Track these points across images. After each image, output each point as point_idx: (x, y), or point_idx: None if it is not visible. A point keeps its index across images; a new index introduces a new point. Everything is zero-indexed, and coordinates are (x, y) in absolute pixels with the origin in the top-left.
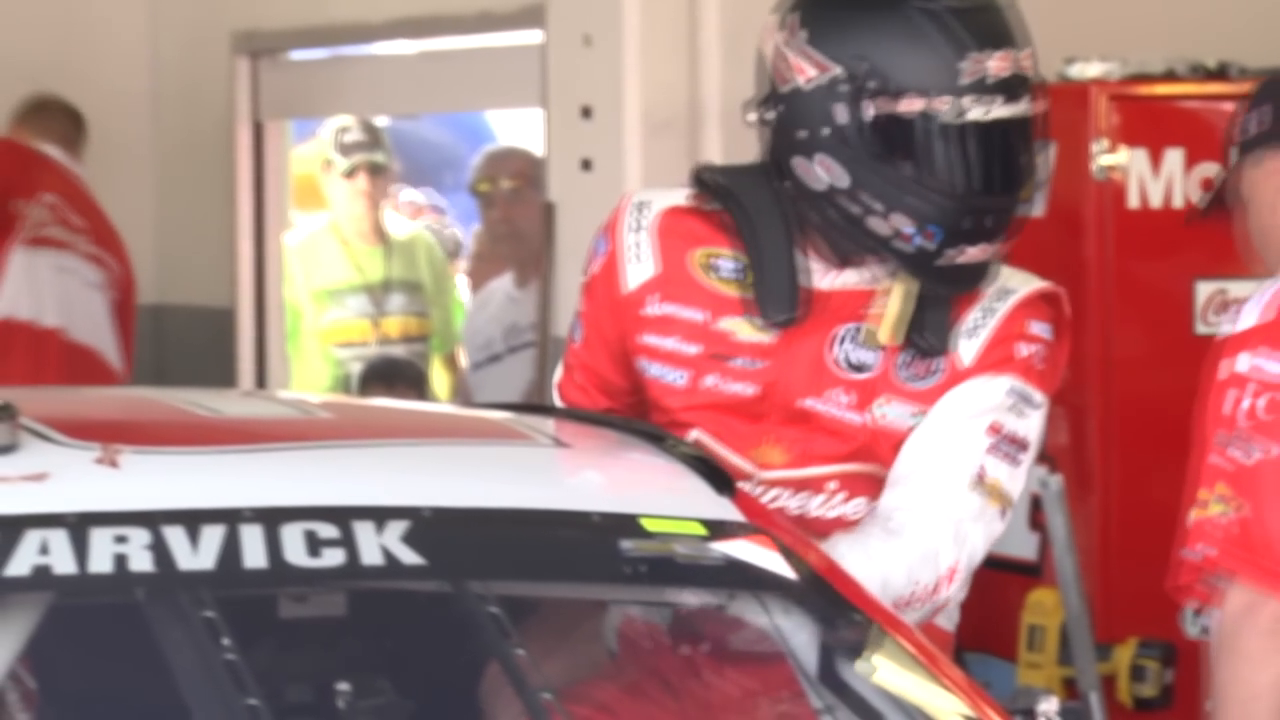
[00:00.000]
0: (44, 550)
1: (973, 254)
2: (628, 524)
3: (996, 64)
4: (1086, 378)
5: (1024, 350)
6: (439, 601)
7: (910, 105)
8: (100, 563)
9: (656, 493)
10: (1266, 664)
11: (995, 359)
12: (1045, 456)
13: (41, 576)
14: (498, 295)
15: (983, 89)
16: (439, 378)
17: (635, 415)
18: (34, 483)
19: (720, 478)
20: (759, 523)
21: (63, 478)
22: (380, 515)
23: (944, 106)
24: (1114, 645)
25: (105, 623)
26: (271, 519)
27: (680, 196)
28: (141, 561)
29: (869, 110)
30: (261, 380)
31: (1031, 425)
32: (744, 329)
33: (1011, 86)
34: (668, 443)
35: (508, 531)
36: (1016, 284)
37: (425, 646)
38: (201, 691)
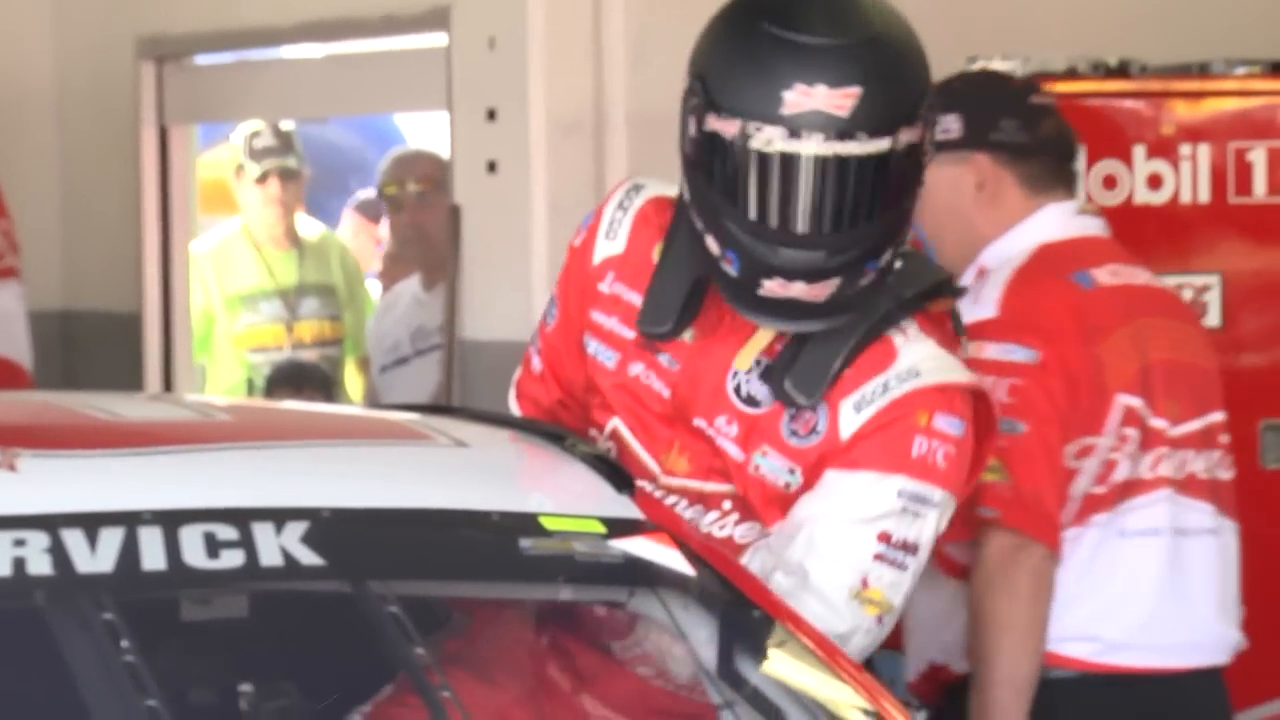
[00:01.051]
0: None
1: (795, 290)
2: (527, 523)
3: (828, 99)
4: None
5: (921, 447)
6: (340, 602)
7: (727, 126)
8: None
9: (556, 491)
10: (1034, 599)
11: (887, 453)
12: None
13: None
14: (405, 298)
15: (803, 123)
16: (352, 381)
17: (583, 417)
18: None
19: (620, 476)
20: (658, 521)
21: None
22: (279, 516)
23: (755, 132)
24: None
25: (4, 626)
26: (170, 521)
27: (674, 189)
28: (40, 565)
29: (696, 125)
30: (168, 386)
31: (925, 526)
32: None
33: (843, 125)
34: (568, 442)
35: (407, 531)
36: (929, 369)
37: (326, 648)
38: (102, 694)
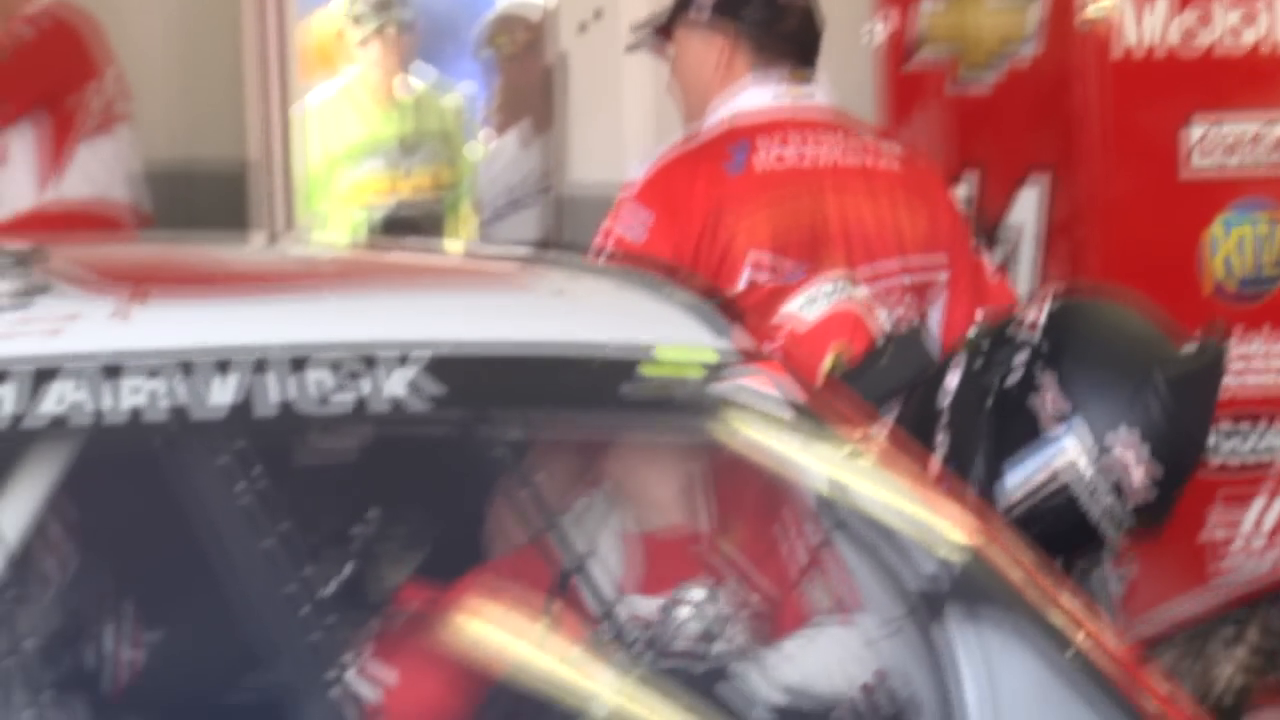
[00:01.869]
0: (62, 399)
1: None
2: (631, 362)
3: None
4: (1083, 222)
5: None
6: (452, 440)
7: None
8: (122, 407)
9: (656, 333)
10: None
11: None
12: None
13: (62, 425)
14: (510, 148)
15: None
16: (459, 230)
17: None
18: (55, 331)
19: (719, 319)
20: (756, 359)
21: (84, 325)
22: (394, 357)
23: None
24: None
25: (126, 466)
26: (290, 362)
27: None
28: (162, 406)
29: None
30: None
31: None
32: None
33: None
34: (669, 285)
35: (518, 370)
36: None
37: (439, 485)
38: (221, 535)
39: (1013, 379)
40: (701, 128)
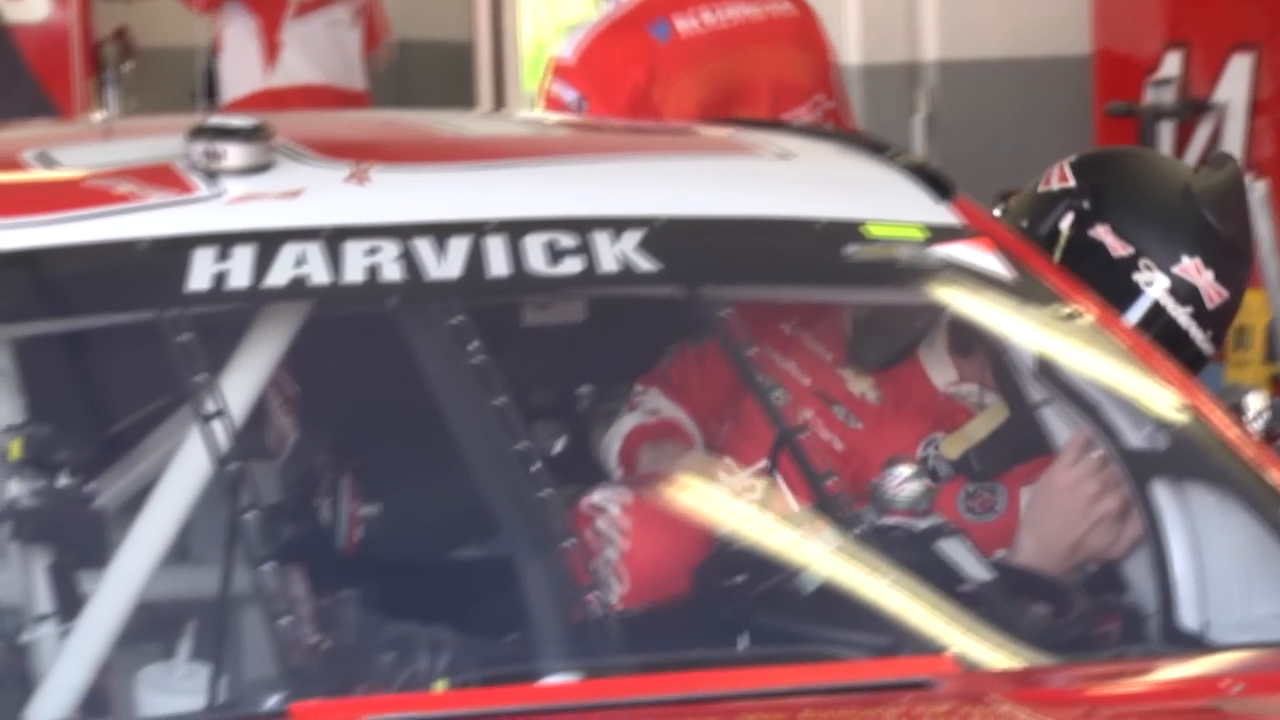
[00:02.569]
0: (301, 262)
1: None
2: (851, 230)
3: (1208, 287)
4: None
5: None
6: (672, 306)
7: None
8: (354, 273)
9: (878, 199)
10: None
11: None
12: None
13: (299, 287)
14: None
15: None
16: None
17: None
18: (290, 199)
19: (940, 185)
20: (978, 226)
21: (317, 194)
22: (617, 225)
23: (1145, 269)
24: None
25: (359, 330)
26: (514, 230)
27: None
28: (393, 271)
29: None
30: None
31: None
32: None
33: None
34: (889, 151)
35: (737, 239)
36: None
37: (661, 350)
38: (451, 394)
39: (1066, 236)
40: None
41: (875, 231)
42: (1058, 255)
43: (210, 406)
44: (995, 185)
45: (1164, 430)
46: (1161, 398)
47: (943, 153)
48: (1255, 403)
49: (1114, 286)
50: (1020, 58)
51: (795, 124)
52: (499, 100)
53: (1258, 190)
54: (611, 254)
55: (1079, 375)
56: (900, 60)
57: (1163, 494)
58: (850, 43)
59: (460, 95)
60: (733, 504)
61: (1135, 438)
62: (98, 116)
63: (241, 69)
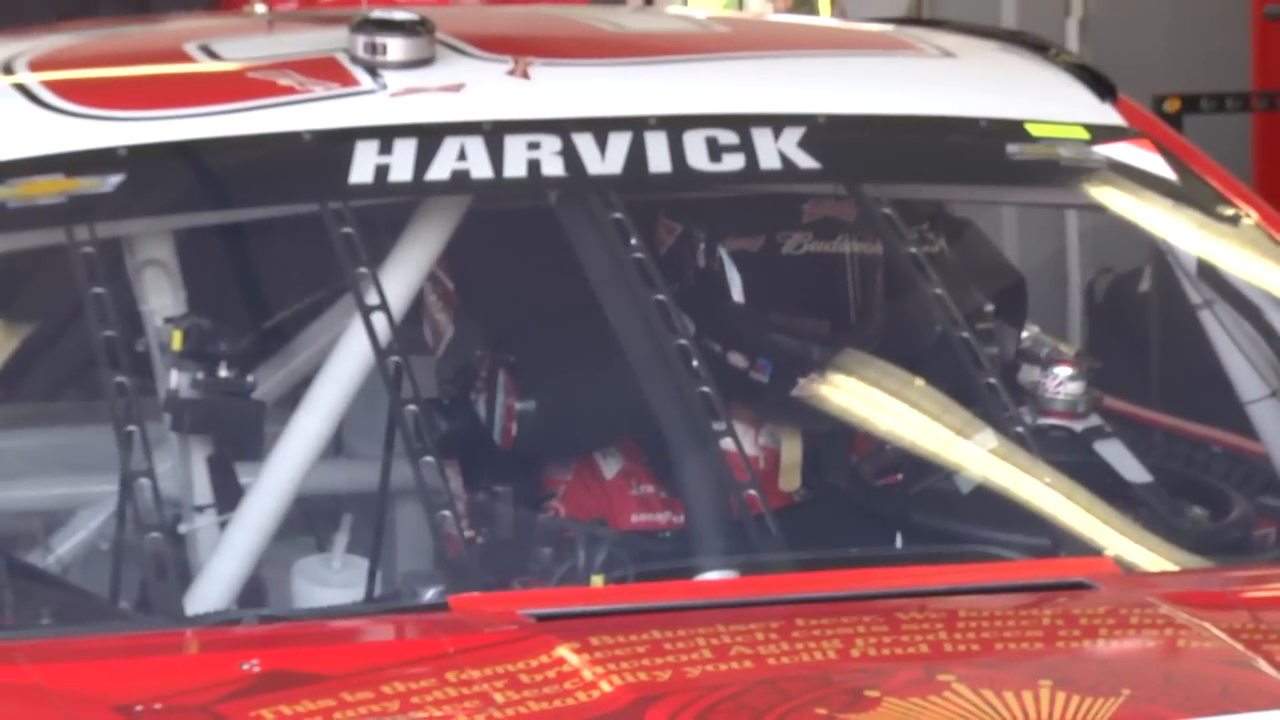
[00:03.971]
0: (462, 156)
1: None
2: (1014, 128)
3: None
4: None
5: None
6: (833, 204)
7: None
8: (514, 167)
9: (1041, 99)
10: None
11: None
12: None
13: (460, 180)
14: None
15: None
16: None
17: None
18: (451, 93)
19: (1103, 85)
20: (1140, 127)
21: (478, 88)
22: (777, 122)
23: None
24: None
25: (519, 224)
26: (674, 126)
27: None
28: (553, 166)
29: None
30: None
31: None
32: None
33: None
34: (1052, 51)
35: (898, 137)
36: None
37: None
38: (612, 287)
39: None
40: None
41: (1038, 131)
42: None
43: (370, 299)
44: (1150, 89)
45: None
46: None
47: (1096, 55)
48: None
49: None
50: None
51: (958, 22)
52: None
53: None
54: (772, 151)
55: (1240, 277)
56: None
57: None
58: None
59: None
60: (892, 401)
61: None
62: (260, 9)
63: None
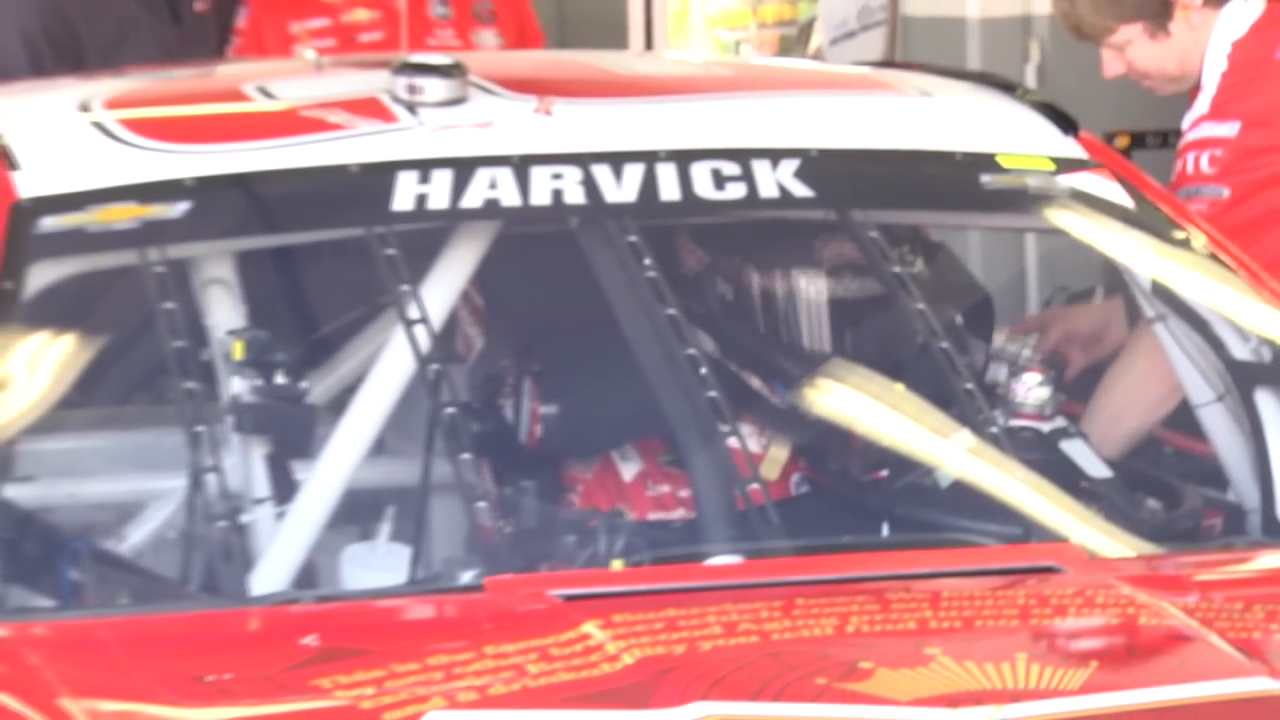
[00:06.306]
0: (493, 185)
1: None
2: (986, 161)
3: None
4: None
5: None
6: (825, 229)
7: None
8: (540, 196)
9: (1010, 134)
10: None
11: None
12: None
13: (491, 208)
14: None
15: None
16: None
17: None
18: (482, 129)
19: (1066, 121)
20: (1100, 159)
21: (506, 124)
22: (775, 155)
23: None
24: None
25: (544, 246)
26: (683, 158)
27: None
28: (575, 194)
29: None
30: None
31: None
32: None
33: None
34: (1019, 90)
35: (883, 168)
36: None
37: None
38: (627, 303)
39: None
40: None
41: (1008, 163)
42: None
43: (411, 314)
44: (1101, 126)
45: (1267, 343)
46: (1265, 314)
47: (1052, 96)
48: None
49: None
50: None
51: (933, 64)
52: (648, 43)
53: None
54: (771, 181)
55: (1193, 297)
56: (1015, 14)
57: (1265, 401)
58: None
59: (613, 38)
60: (873, 406)
61: (1241, 350)
62: (309, 54)
63: None
